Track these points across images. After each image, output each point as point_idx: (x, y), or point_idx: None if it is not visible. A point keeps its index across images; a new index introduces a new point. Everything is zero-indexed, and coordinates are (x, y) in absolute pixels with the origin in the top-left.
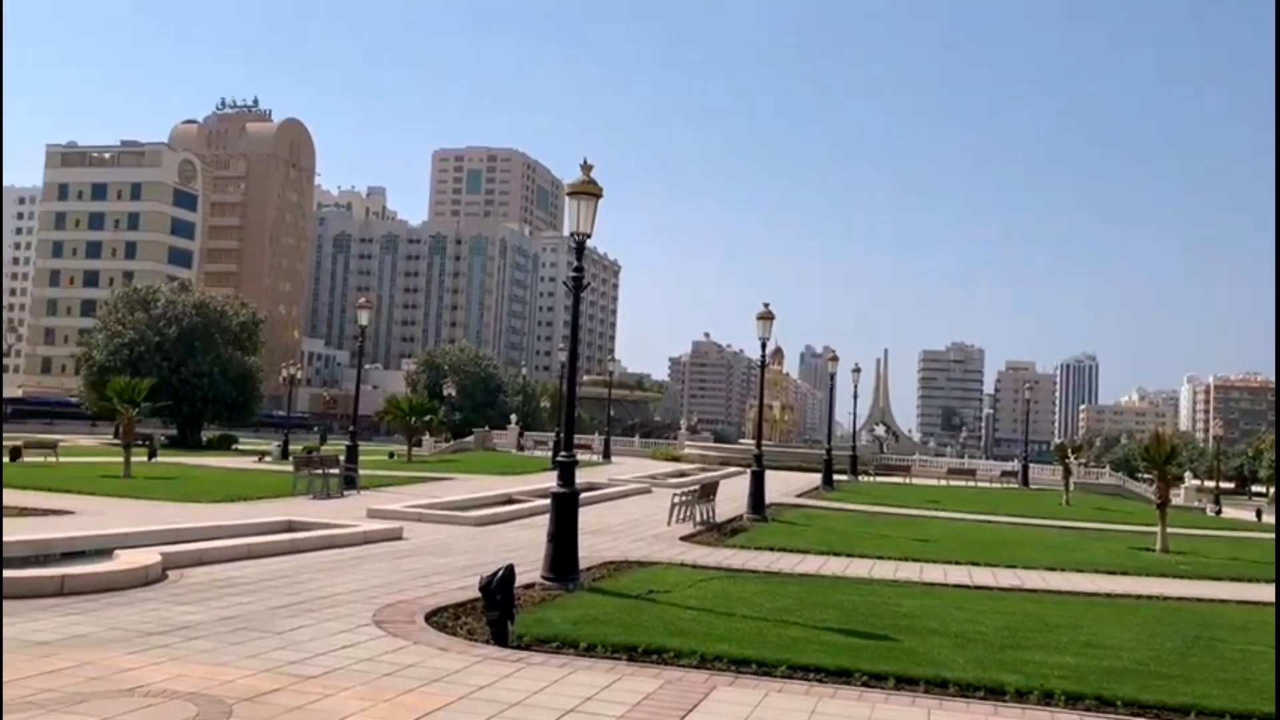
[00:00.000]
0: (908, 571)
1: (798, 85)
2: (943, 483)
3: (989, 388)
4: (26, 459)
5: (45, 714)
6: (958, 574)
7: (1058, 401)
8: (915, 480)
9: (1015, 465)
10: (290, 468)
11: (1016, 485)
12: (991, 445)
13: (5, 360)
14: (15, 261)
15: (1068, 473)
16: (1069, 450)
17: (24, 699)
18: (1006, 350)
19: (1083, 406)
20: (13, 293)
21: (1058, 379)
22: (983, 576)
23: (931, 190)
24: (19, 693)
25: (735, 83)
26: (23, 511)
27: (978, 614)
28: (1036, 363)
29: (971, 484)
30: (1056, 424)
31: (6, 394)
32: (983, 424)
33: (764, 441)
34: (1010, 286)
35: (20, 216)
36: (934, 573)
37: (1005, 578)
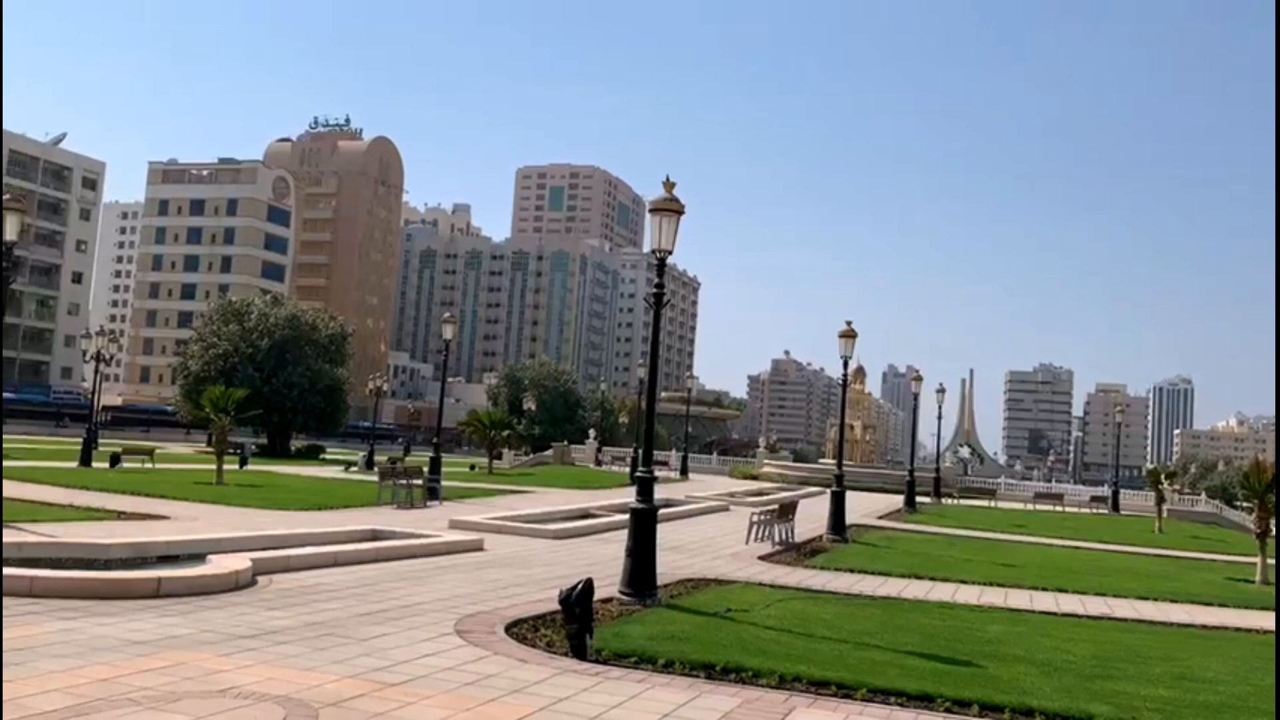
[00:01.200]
0: (992, 597)
1: (881, 106)
2: (1029, 507)
3: (1078, 410)
4: (125, 464)
5: (142, 711)
6: (1044, 600)
7: (1150, 426)
8: (1000, 504)
9: (1105, 490)
10: (375, 478)
11: (1106, 511)
12: (1080, 469)
13: (106, 369)
14: (118, 274)
15: (1161, 499)
16: (1162, 476)
17: (123, 696)
18: (1097, 372)
19: (1177, 431)
20: (115, 304)
21: (1151, 402)
22: (1070, 604)
23: (1019, 210)
24: (119, 690)
25: (819, 102)
26: (121, 515)
27: (1065, 642)
28: (1128, 385)
29: (1059, 509)
30: (1149, 449)
31: (107, 401)
32: (1071, 448)
33: (844, 461)
34: (1102, 307)
35: (123, 231)
36: (1019, 599)
37: (1094, 606)
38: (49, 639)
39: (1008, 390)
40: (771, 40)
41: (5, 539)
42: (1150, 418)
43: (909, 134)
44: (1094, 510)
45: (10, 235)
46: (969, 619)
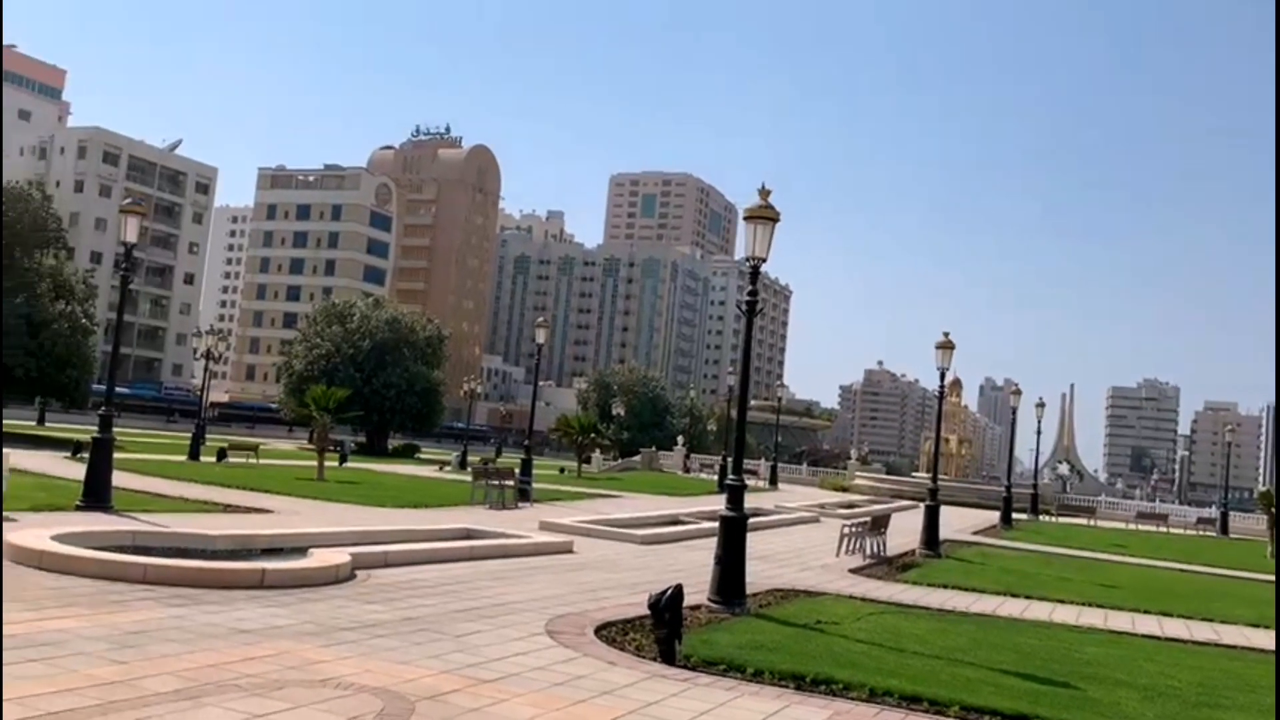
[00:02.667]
0: (1091, 617)
1: (979, 112)
2: (1131, 526)
3: (1184, 428)
4: (231, 459)
5: (248, 697)
6: (1146, 623)
7: (1263, 445)
8: (1100, 522)
9: (1213, 512)
10: (468, 478)
11: (1214, 533)
12: (1185, 490)
13: (215, 367)
14: (227, 276)
15: (1274, 522)
16: (1275, 498)
17: (230, 681)
18: (1205, 390)
19: None
20: (224, 304)
21: (1264, 421)
22: (1174, 628)
23: (1122, 222)
24: (226, 675)
25: (916, 109)
26: (228, 508)
27: (1169, 667)
28: (1239, 404)
29: (1163, 529)
30: (1261, 469)
31: (214, 398)
32: (1176, 467)
33: (939, 476)
34: (1210, 323)
35: (233, 234)
36: (1120, 620)
37: (1200, 631)
38: (161, 624)
39: (1110, 406)
40: (867, 45)
41: (121, 528)
42: (1263, 437)
43: (1009, 142)
44: (1201, 532)
45: (130, 237)
46: (1066, 639)
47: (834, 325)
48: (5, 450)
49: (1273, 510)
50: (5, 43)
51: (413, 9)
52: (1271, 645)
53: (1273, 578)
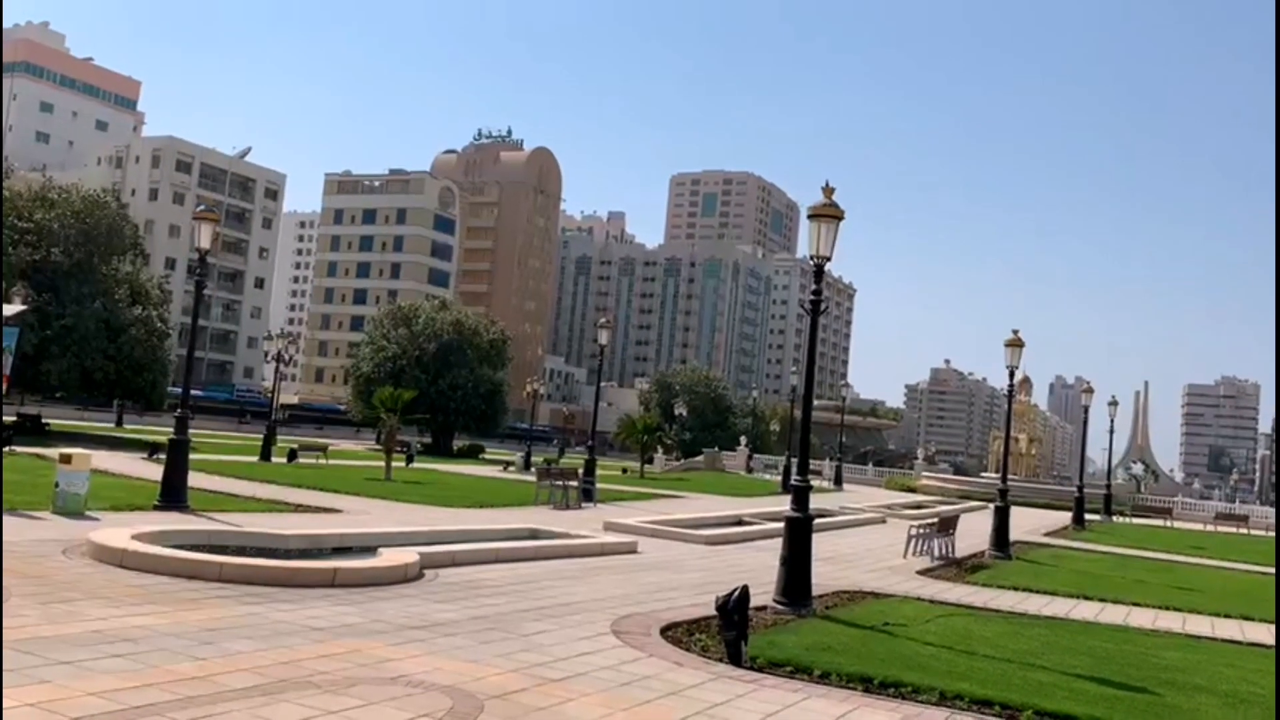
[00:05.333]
0: (1168, 621)
1: (1047, 110)
2: (1209, 528)
3: (1265, 427)
4: (301, 460)
5: (321, 694)
6: (1227, 628)
7: None
8: (1177, 524)
9: None
10: (532, 478)
11: None
12: (1267, 490)
13: (285, 369)
14: (295, 280)
15: None
16: (1276, 482)
17: (304, 678)
18: None
19: None
20: (293, 308)
21: None
22: (1257, 633)
23: (1198, 214)
24: (300, 672)
25: (982, 107)
26: (298, 508)
27: (1252, 673)
28: None
29: (1244, 531)
30: None
31: (284, 400)
32: (1257, 466)
33: (1009, 476)
34: None
35: (301, 239)
36: (1199, 624)
37: None
38: (236, 621)
39: (1186, 404)
40: (938, 38)
41: (197, 526)
42: None
43: (1076, 137)
44: None
45: (205, 244)
46: (1143, 643)
47: (899, 324)
48: (88, 451)
49: None
50: (83, 56)
51: (473, 14)
52: None
53: None
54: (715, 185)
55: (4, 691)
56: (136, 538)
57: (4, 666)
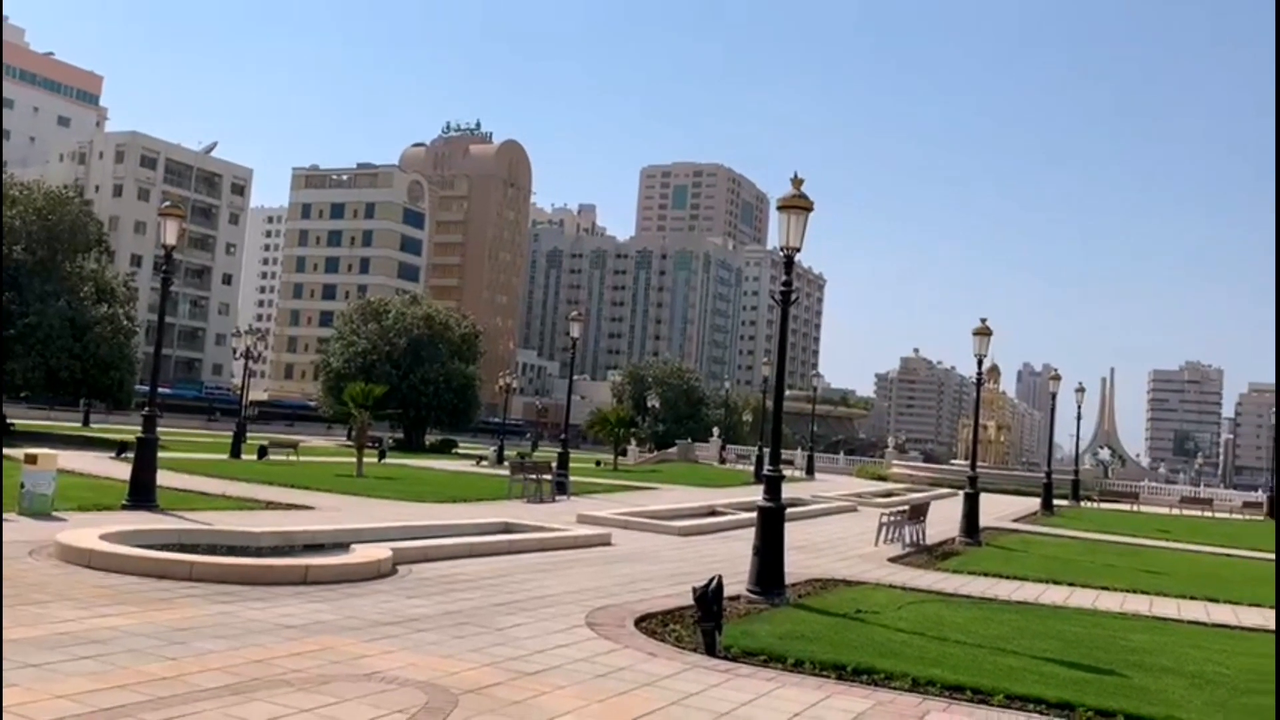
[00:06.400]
0: (1136, 604)
1: (1013, 97)
2: (1174, 512)
3: (1228, 411)
4: (271, 457)
5: (295, 692)
6: (1193, 609)
7: None
8: (1143, 508)
9: (1259, 495)
10: (505, 472)
11: (1261, 517)
12: (1231, 473)
13: (254, 366)
14: (263, 276)
15: None
16: None
17: (277, 677)
18: (1249, 371)
19: None
20: (261, 304)
21: None
22: (1222, 614)
23: (1161, 199)
24: (273, 671)
25: (948, 96)
26: (269, 505)
27: (1217, 653)
28: None
29: (1208, 514)
30: None
31: (254, 397)
32: (1220, 450)
33: (978, 463)
34: (1254, 302)
35: (268, 235)
36: (1166, 607)
37: (1249, 616)
38: (208, 620)
39: (1151, 390)
40: (902, 31)
41: (166, 526)
42: None
43: (1042, 123)
44: (1247, 516)
45: (171, 240)
46: (1111, 627)
47: (869, 314)
48: (54, 451)
49: None
50: (43, 50)
51: (440, 6)
52: None
53: None
54: (685, 177)
55: None
56: (105, 538)
57: None
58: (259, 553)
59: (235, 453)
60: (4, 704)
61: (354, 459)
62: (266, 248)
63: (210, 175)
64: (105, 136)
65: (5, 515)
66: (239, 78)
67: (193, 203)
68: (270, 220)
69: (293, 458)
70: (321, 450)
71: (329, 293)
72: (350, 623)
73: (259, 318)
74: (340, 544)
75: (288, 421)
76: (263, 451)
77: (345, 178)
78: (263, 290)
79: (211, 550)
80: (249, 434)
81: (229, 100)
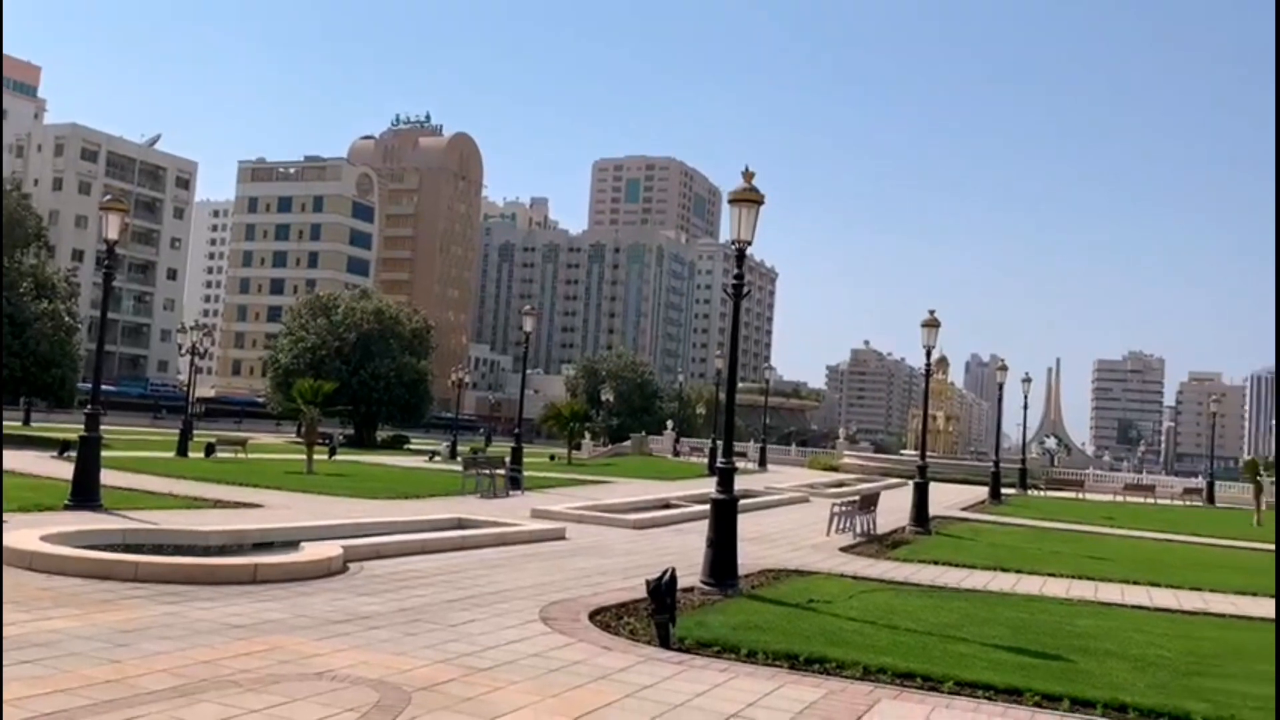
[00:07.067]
0: (1081, 590)
1: (958, 92)
2: (1118, 499)
3: (1169, 400)
4: (219, 454)
5: (244, 692)
6: (1136, 594)
7: (1248, 415)
8: (1088, 495)
9: (1199, 482)
10: (458, 467)
11: (1201, 503)
12: (1173, 460)
13: (200, 362)
14: (210, 271)
15: (1259, 491)
16: (1261, 467)
17: (225, 677)
18: (1189, 360)
19: (1275, 421)
20: (208, 299)
21: (1247, 391)
22: (1164, 598)
23: (1104, 192)
24: (220, 671)
25: (896, 92)
26: (218, 504)
27: (1159, 637)
28: (1223, 373)
29: (1150, 501)
30: (1246, 439)
31: (201, 393)
32: (1162, 438)
33: (927, 452)
34: (1194, 293)
35: (214, 229)
36: (1110, 592)
37: (1189, 600)
38: (153, 622)
39: (1096, 379)
40: (849, 28)
41: (111, 526)
42: (1247, 407)
43: (986, 120)
44: (1187, 502)
45: (112, 234)
46: (1057, 612)
47: (820, 306)
48: None
49: (1258, 479)
50: None
51: None
52: (1260, 612)
53: (1259, 545)
54: (638, 171)
55: None
56: (46, 539)
57: None
58: (207, 552)
59: (182, 451)
60: None
61: (304, 456)
62: (213, 242)
63: (154, 168)
64: (44, 129)
65: None
66: (183, 69)
67: (136, 196)
68: (216, 214)
69: (241, 455)
70: (270, 447)
71: (277, 288)
72: (300, 621)
73: (205, 313)
74: (290, 542)
75: (236, 418)
76: (210, 449)
77: (293, 171)
78: (209, 285)
79: (158, 550)
80: (196, 431)
81: (172, 92)
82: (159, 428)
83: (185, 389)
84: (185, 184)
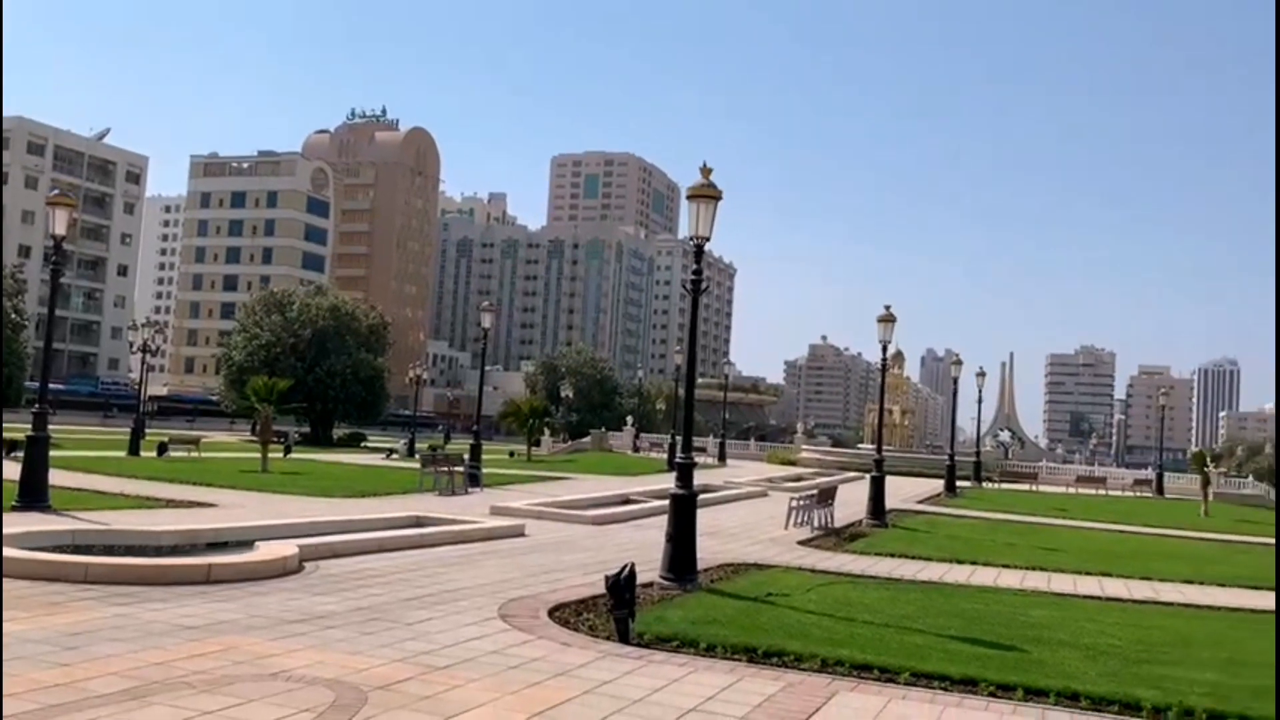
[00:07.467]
0: (1035, 581)
1: (914, 91)
2: (1071, 490)
3: (1120, 393)
4: (172, 453)
5: (197, 694)
6: (1088, 584)
7: (1195, 408)
8: (1042, 488)
9: (1149, 473)
10: (416, 465)
11: (1150, 495)
12: (1123, 453)
13: (152, 360)
14: (162, 267)
15: (1206, 482)
16: (1207, 459)
17: (178, 679)
18: (1139, 354)
19: (1223, 413)
20: (159, 296)
21: (1195, 384)
22: (1115, 588)
23: (1059, 187)
24: (174, 673)
25: (853, 83)
26: (170, 503)
27: (1110, 626)
28: (1172, 367)
29: (1102, 492)
30: (1194, 431)
31: (153, 392)
32: (1113, 430)
33: (884, 446)
34: (1144, 288)
35: (166, 224)
36: (1063, 583)
37: (1139, 590)
38: (105, 623)
39: (1048, 373)
40: (810, 24)
41: (60, 527)
42: (1195, 400)
43: (949, 114)
44: (1137, 494)
45: (60, 230)
46: (1012, 603)
47: (779, 302)
48: None
49: (1205, 470)
50: None
51: None
52: (1206, 600)
53: (1206, 535)
54: (597, 166)
55: None
56: None
57: None
58: (159, 552)
59: (134, 450)
60: None
61: (258, 455)
62: (164, 238)
63: (103, 163)
64: None
65: None
66: (133, 61)
67: (85, 191)
68: (168, 210)
69: (194, 454)
70: (224, 446)
71: (230, 284)
72: (255, 622)
73: (157, 310)
74: (245, 542)
75: (189, 417)
76: (163, 448)
77: (246, 166)
78: (161, 282)
79: (109, 551)
80: (148, 430)
81: (123, 85)
82: (110, 427)
83: (137, 387)
84: (136, 179)
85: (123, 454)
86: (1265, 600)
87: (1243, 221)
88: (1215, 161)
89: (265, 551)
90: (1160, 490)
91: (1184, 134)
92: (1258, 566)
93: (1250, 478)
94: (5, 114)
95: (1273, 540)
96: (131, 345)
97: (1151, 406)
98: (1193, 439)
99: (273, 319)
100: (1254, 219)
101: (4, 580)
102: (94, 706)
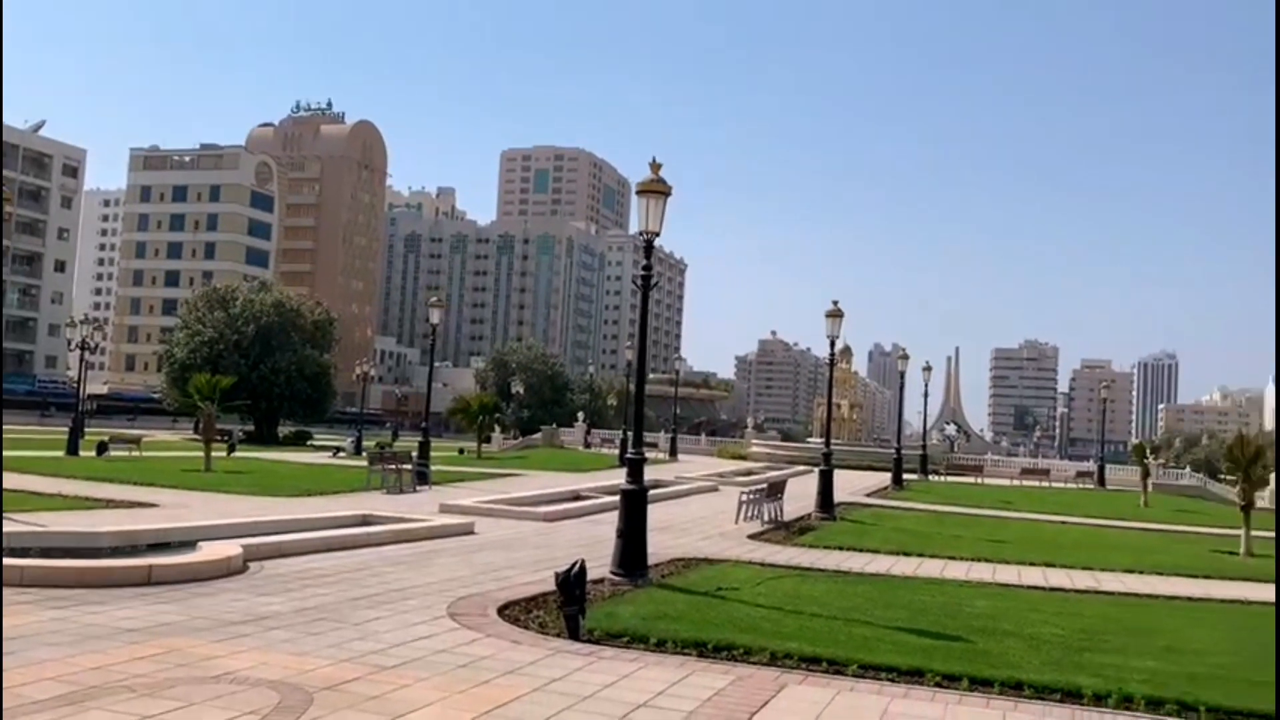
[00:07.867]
0: (980, 572)
1: (868, 77)
2: (1015, 483)
3: (1063, 386)
4: (112, 453)
5: (136, 698)
6: (1032, 575)
7: (1135, 401)
8: (987, 480)
9: (1091, 465)
10: (364, 463)
11: (1092, 486)
12: (1066, 445)
13: (91, 357)
14: (101, 263)
15: (1146, 473)
16: (1147, 450)
17: (117, 683)
18: (1082, 348)
19: (1162, 406)
20: (99, 292)
21: (1135, 378)
22: (1058, 578)
23: (1004, 186)
24: (112, 677)
25: (803, 79)
26: (110, 503)
27: (1053, 616)
28: (1113, 361)
29: (1045, 484)
30: (1134, 424)
31: (92, 390)
32: (1057, 423)
33: (832, 440)
34: (1086, 283)
35: (105, 219)
36: (1007, 574)
37: (1081, 580)
38: (41, 628)
39: (993, 367)
40: (757, 17)
41: None
42: (1135, 393)
43: (896, 111)
44: (1080, 485)
45: None
46: (957, 594)
47: (729, 298)
48: None
49: (1144, 462)
50: None
51: None
52: (1145, 589)
53: (1146, 525)
54: (547, 161)
55: None
56: None
57: None
58: (98, 554)
59: (72, 449)
60: None
61: (201, 454)
62: (104, 233)
63: (39, 155)
64: None
65: None
66: (68, 50)
67: (20, 185)
68: (107, 204)
69: (135, 453)
70: (167, 445)
71: (172, 280)
72: (198, 623)
73: (97, 307)
74: (187, 542)
75: (130, 415)
76: (102, 447)
77: (188, 159)
78: (100, 278)
79: (45, 553)
80: (87, 429)
81: (60, 76)
82: (47, 426)
83: (75, 385)
84: (73, 172)
85: (61, 454)
86: (1202, 589)
87: (1186, 218)
88: (1161, 159)
89: (208, 552)
90: (1102, 482)
91: (1131, 131)
92: (1195, 556)
93: (1188, 468)
94: None
95: (1205, 530)
96: (70, 342)
97: (1093, 400)
98: (1133, 431)
99: (216, 315)
100: (1196, 215)
101: None
102: (29, 713)
